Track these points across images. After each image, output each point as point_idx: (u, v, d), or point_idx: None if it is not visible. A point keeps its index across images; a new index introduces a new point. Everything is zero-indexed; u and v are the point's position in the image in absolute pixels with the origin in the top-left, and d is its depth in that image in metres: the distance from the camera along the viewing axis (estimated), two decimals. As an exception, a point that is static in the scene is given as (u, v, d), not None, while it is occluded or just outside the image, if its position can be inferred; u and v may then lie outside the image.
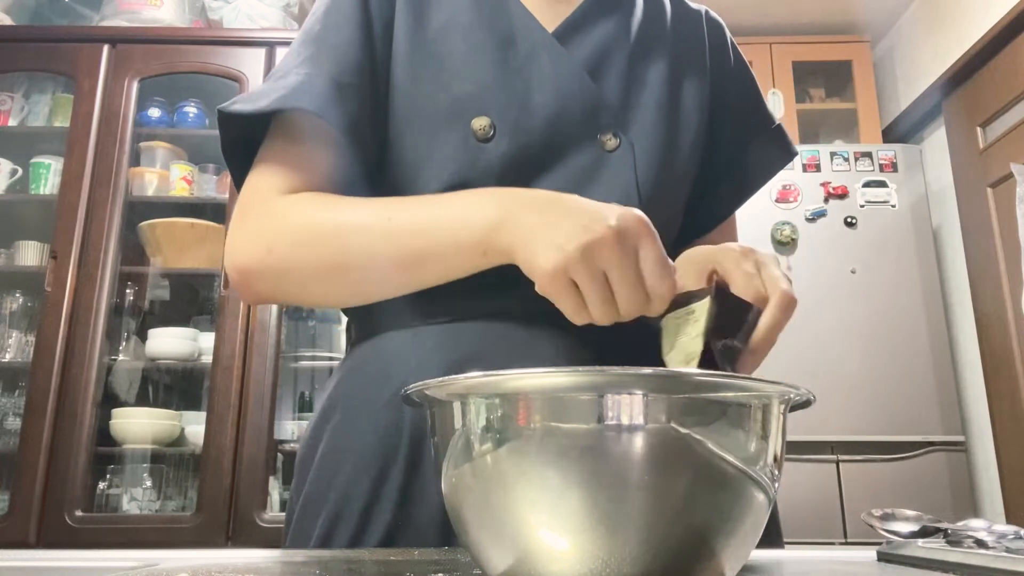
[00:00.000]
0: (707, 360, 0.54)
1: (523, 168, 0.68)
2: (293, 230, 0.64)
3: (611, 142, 0.71)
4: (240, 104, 0.68)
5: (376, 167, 0.71)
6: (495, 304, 0.65)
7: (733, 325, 0.56)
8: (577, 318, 0.54)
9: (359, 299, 0.69)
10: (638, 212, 0.54)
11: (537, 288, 0.54)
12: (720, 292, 0.57)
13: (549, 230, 0.54)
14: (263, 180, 0.68)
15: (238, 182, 0.72)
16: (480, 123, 0.68)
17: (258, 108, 0.66)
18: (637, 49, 0.76)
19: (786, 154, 0.85)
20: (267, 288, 0.66)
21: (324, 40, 0.69)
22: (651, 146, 0.72)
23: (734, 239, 0.88)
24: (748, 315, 0.57)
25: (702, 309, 0.56)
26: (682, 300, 0.57)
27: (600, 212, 0.54)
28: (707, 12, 0.85)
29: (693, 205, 0.82)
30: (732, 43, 0.86)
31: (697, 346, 0.54)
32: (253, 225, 0.66)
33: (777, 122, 0.86)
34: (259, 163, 0.69)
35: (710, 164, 0.82)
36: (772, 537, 0.72)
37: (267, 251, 0.64)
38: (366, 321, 0.72)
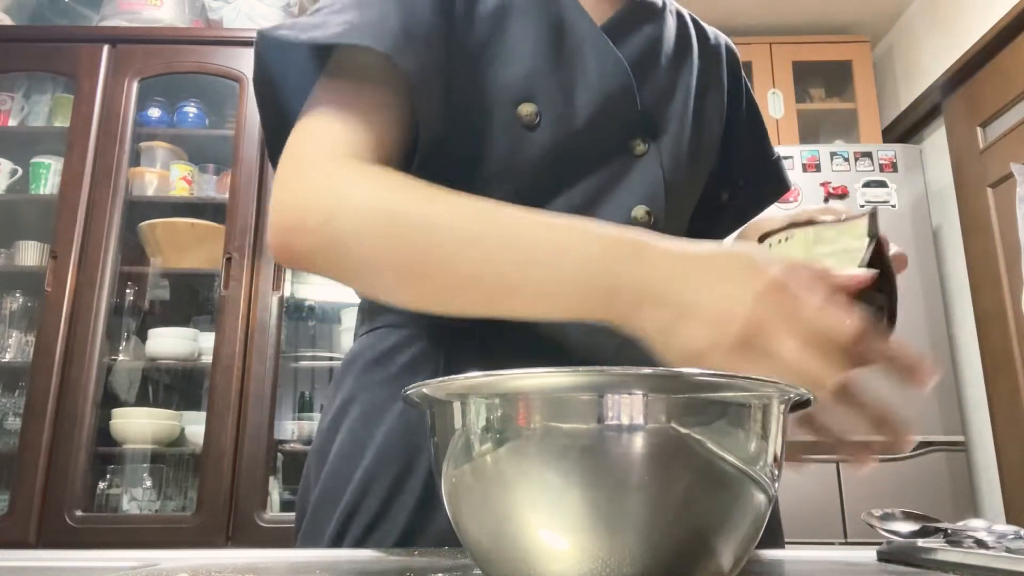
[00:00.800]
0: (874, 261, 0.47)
1: (560, 162, 0.68)
2: (364, 208, 0.55)
3: (640, 147, 0.71)
4: (287, 31, 0.60)
5: (436, 147, 0.65)
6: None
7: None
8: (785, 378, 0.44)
9: (416, 306, 0.58)
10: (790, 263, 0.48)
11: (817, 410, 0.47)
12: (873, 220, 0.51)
13: (703, 298, 0.46)
14: (323, 128, 0.59)
15: (269, 124, 0.66)
16: (527, 109, 0.66)
17: (314, 37, 0.59)
18: (670, 57, 0.77)
19: (781, 188, 0.88)
20: (312, 260, 0.57)
21: None
22: (675, 155, 0.73)
23: None
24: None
25: (860, 222, 0.50)
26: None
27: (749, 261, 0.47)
28: (727, 43, 0.86)
29: (699, 221, 0.84)
30: (744, 78, 0.88)
31: (861, 245, 0.48)
32: (312, 183, 0.57)
33: (776, 155, 0.88)
34: (316, 105, 0.61)
35: (716, 190, 0.84)
36: (774, 537, 0.72)
37: (325, 221, 0.55)
38: (385, 308, 0.69)
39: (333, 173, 0.57)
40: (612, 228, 0.51)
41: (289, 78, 0.64)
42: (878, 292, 0.50)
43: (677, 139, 0.73)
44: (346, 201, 0.56)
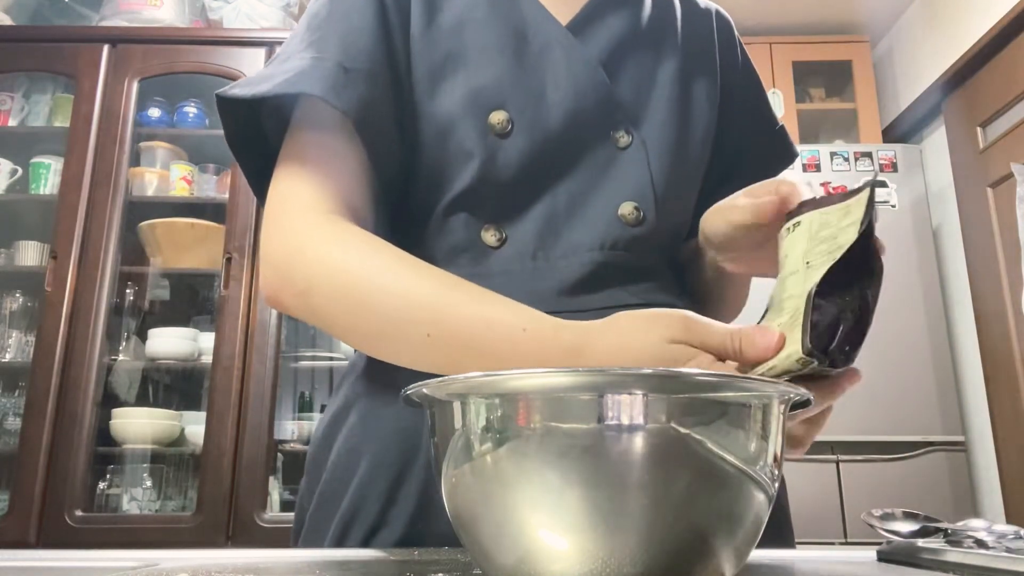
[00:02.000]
0: (856, 254, 0.47)
1: (540, 164, 0.67)
2: (333, 277, 0.60)
3: (624, 139, 0.70)
4: (239, 88, 0.65)
5: (401, 170, 0.69)
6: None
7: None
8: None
9: (392, 361, 0.63)
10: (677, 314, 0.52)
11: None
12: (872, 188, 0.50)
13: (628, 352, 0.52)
14: (292, 189, 0.64)
15: (248, 172, 0.70)
16: (498, 117, 0.67)
17: (257, 92, 0.63)
18: (647, 45, 0.75)
19: (788, 156, 0.85)
20: (299, 316, 0.63)
21: (331, 25, 0.66)
22: (663, 143, 0.72)
23: None
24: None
25: (859, 202, 0.49)
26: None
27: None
28: (717, 11, 0.84)
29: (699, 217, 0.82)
30: (740, 43, 0.85)
31: (850, 235, 0.48)
32: (290, 250, 0.62)
33: (780, 124, 0.85)
34: (283, 162, 0.66)
35: (714, 164, 0.81)
36: (784, 537, 0.72)
37: (303, 292, 0.61)
38: None
39: (307, 238, 0.61)
40: (563, 330, 0.55)
41: (261, 129, 0.69)
42: (852, 285, 0.48)
43: (663, 126, 0.72)
44: (321, 268, 0.60)
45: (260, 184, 0.70)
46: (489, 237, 0.67)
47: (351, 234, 0.61)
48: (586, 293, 0.65)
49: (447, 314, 0.57)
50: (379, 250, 0.61)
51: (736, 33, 0.86)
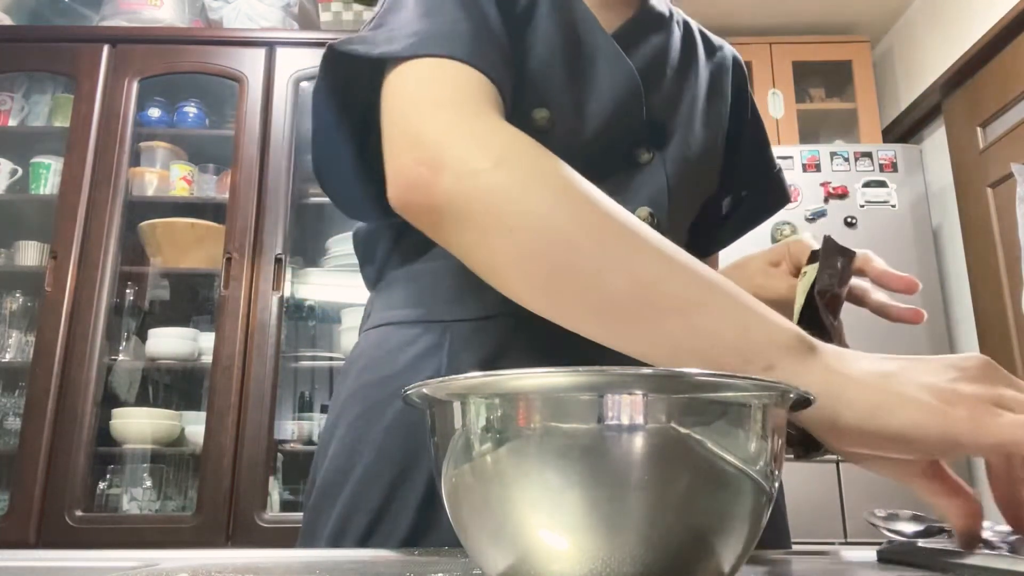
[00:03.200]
0: (808, 315, 0.55)
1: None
2: (537, 164, 0.50)
3: (644, 156, 0.71)
4: (360, 46, 0.58)
5: None
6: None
7: (839, 275, 0.58)
8: None
9: (526, 300, 0.51)
10: (982, 356, 0.47)
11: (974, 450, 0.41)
12: (826, 246, 0.59)
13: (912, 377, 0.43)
14: (437, 72, 0.55)
15: (320, 132, 0.64)
16: (540, 114, 0.67)
17: (387, 52, 0.57)
18: (676, 69, 0.77)
19: (782, 199, 0.88)
20: (444, 210, 0.50)
21: None
22: (679, 162, 0.73)
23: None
24: (850, 264, 0.60)
25: (812, 268, 0.58)
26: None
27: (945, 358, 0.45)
28: (734, 55, 0.86)
29: (705, 228, 0.85)
30: (748, 88, 0.88)
31: (800, 301, 0.56)
32: (468, 122, 0.52)
33: (778, 167, 0.88)
34: (412, 65, 0.57)
35: (717, 201, 0.85)
36: (780, 538, 0.72)
37: (496, 163, 0.49)
38: (391, 305, 0.70)
39: (485, 115, 0.53)
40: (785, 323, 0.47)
41: (350, 89, 0.63)
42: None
43: (682, 147, 0.73)
44: (515, 148, 0.51)
45: (326, 149, 0.64)
46: None
47: (540, 147, 0.52)
48: None
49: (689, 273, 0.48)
50: (578, 177, 0.51)
51: (746, 77, 0.88)
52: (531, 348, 0.63)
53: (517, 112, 0.64)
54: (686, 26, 0.82)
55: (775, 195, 0.88)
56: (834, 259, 0.59)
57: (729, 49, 0.86)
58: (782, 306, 0.58)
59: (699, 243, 0.85)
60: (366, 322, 0.74)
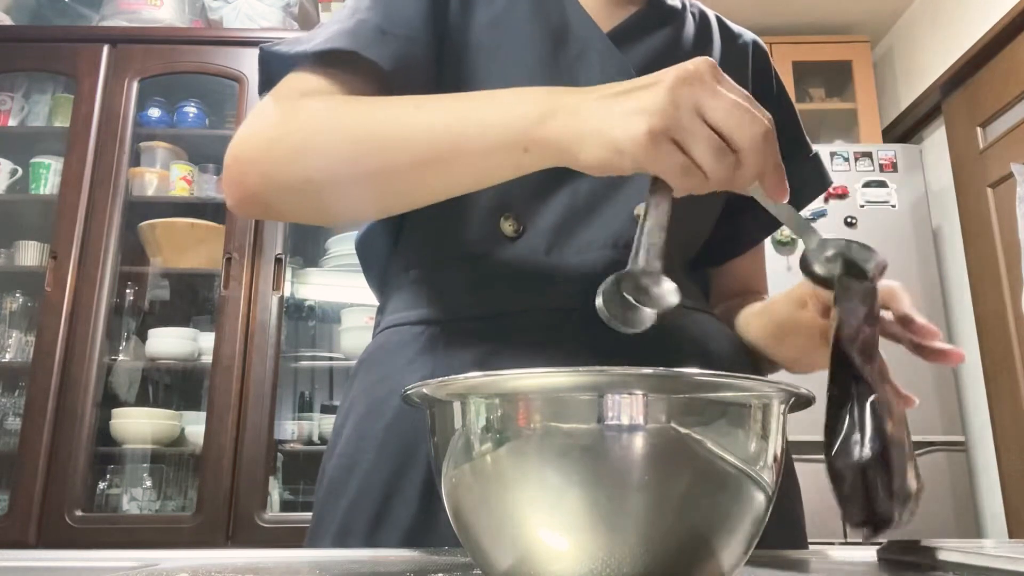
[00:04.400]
0: (841, 365, 0.45)
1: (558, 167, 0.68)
2: (315, 116, 0.59)
3: None
4: (282, 46, 0.67)
5: None
6: (522, 300, 0.66)
7: (864, 315, 0.49)
8: (689, 179, 0.47)
9: (374, 203, 0.62)
10: (701, 57, 0.49)
11: (632, 165, 0.48)
12: (842, 285, 0.50)
13: (618, 103, 0.48)
14: (290, 83, 0.65)
15: None
16: None
17: (298, 51, 0.65)
18: (684, 60, 0.76)
19: (821, 184, 0.85)
20: (265, 185, 0.60)
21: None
22: None
23: (761, 266, 0.90)
24: (874, 298, 0.51)
25: (834, 316, 0.49)
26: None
27: (666, 71, 0.48)
28: (754, 40, 0.85)
29: (724, 228, 0.82)
30: (775, 73, 0.86)
31: (830, 352, 0.46)
32: (272, 114, 0.62)
33: (814, 151, 0.86)
34: (295, 72, 0.66)
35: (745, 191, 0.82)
36: (797, 541, 0.72)
37: (276, 139, 0.60)
38: (395, 309, 0.72)
39: (283, 106, 0.62)
40: (534, 88, 0.55)
41: None
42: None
43: None
44: (295, 117, 0.60)
45: None
46: (507, 227, 0.68)
47: (339, 95, 0.62)
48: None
49: (422, 112, 0.56)
50: (364, 97, 0.61)
51: (772, 62, 0.86)
52: (524, 347, 0.65)
53: None
54: (703, 17, 0.82)
55: (813, 181, 0.84)
56: (854, 298, 0.50)
57: (750, 35, 0.85)
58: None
59: (733, 237, 0.84)
60: (375, 329, 0.76)
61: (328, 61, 0.65)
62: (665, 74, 0.48)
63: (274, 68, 0.67)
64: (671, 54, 0.76)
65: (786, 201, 0.51)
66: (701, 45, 0.79)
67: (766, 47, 0.86)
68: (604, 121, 0.48)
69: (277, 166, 0.59)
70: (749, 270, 0.88)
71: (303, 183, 0.59)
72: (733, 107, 0.46)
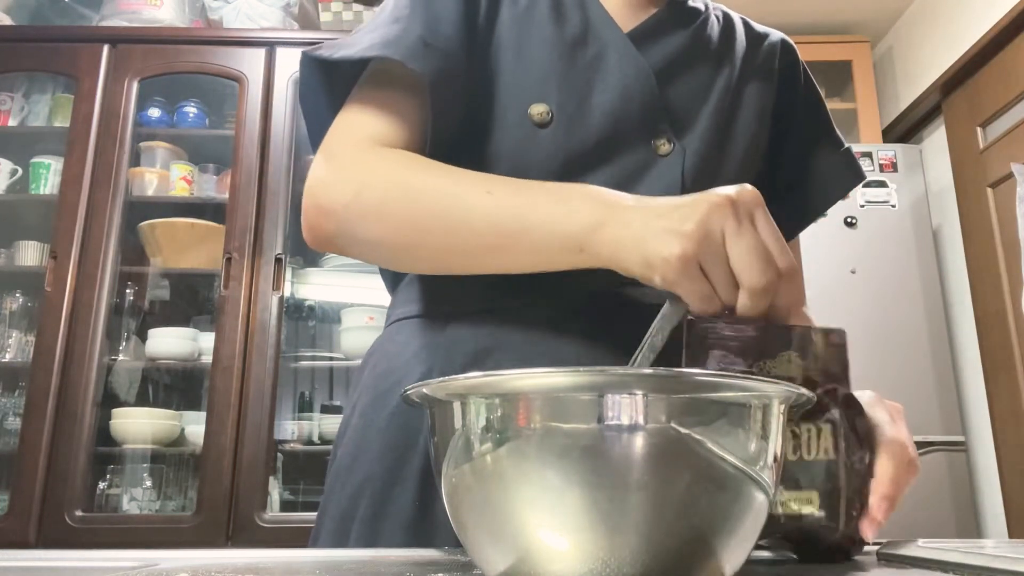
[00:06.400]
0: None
1: (574, 159, 0.69)
2: (386, 178, 0.63)
3: (664, 146, 0.72)
4: (326, 51, 0.69)
5: (454, 144, 0.71)
6: (524, 294, 0.66)
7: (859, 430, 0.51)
8: (708, 306, 0.51)
9: (433, 267, 0.67)
10: (749, 186, 0.52)
11: (660, 283, 0.51)
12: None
13: (660, 220, 0.51)
14: (354, 125, 0.68)
15: (313, 128, 0.74)
16: (538, 109, 0.69)
17: (345, 55, 0.68)
18: (705, 60, 0.77)
19: (854, 177, 0.84)
20: (345, 233, 0.64)
21: (421, 4, 0.70)
22: (702, 152, 0.73)
23: (797, 262, 0.88)
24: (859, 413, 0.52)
25: None
26: None
27: (710, 193, 0.51)
28: (782, 39, 0.86)
29: None
30: (804, 69, 0.86)
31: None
32: (343, 167, 0.65)
33: (846, 146, 0.85)
34: (349, 107, 0.70)
35: (774, 185, 0.82)
36: None
37: (355, 194, 0.63)
38: (402, 302, 0.75)
39: (361, 158, 0.65)
40: (592, 187, 0.58)
41: (333, 88, 0.73)
42: None
43: (705, 135, 0.74)
44: (372, 174, 0.64)
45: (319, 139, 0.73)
46: None
47: (403, 153, 0.66)
48: (605, 288, 0.67)
49: (493, 198, 0.60)
50: (435, 163, 0.64)
51: (800, 59, 0.86)
52: (525, 341, 0.66)
53: (515, 109, 0.69)
54: (727, 19, 0.83)
55: (846, 174, 0.84)
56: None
57: (777, 35, 0.85)
58: None
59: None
60: (386, 321, 0.79)
61: (373, 73, 0.69)
62: (708, 196, 0.51)
63: (317, 74, 0.71)
64: (693, 55, 0.76)
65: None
66: (724, 47, 0.79)
67: (794, 45, 0.86)
68: (644, 235, 0.52)
69: (353, 223, 0.64)
70: None
71: (376, 243, 0.64)
72: (750, 250, 0.49)
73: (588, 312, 0.66)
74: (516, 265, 0.60)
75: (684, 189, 0.71)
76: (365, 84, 0.70)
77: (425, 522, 0.62)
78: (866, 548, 0.51)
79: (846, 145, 0.85)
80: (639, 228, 0.52)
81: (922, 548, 0.45)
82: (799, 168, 0.84)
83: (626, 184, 0.69)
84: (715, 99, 0.75)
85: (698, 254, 0.49)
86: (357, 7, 2.74)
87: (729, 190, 0.51)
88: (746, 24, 0.85)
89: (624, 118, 0.70)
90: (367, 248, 0.66)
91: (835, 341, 0.52)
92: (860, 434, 0.51)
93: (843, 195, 0.85)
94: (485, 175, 0.62)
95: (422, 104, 0.67)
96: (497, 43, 0.72)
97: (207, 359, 2.34)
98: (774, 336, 0.51)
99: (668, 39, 0.76)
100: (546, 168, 0.69)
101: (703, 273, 0.50)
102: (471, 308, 0.68)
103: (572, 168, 0.69)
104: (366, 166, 0.64)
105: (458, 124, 0.70)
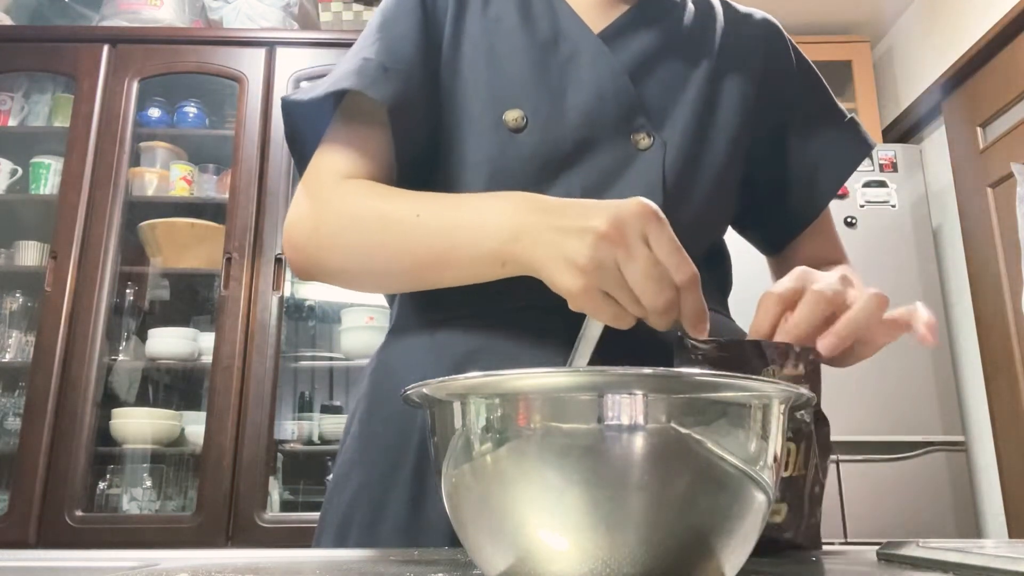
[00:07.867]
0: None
1: (553, 161, 0.70)
2: (340, 213, 0.67)
3: (644, 141, 0.72)
4: (299, 94, 0.74)
5: (427, 158, 0.74)
6: (508, 301, 0.67)
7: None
8: (622, 324, 0.54)
9: (388, 287, 0.74)
10: (638, 200, 0.53)
11: (571, 307, 0.55)
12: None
13: (563, 243, 0.54)
14: (324, 162, 0.72)
15: (301, 168, 0.77)
16: (512, 115, 0.70)
17: (312, 96, 0.72)
18: (681, 53, 0.77)
19: (863, 147, 0.83)
20: (313, 264, 0.69)
21: (380, 32, 0.73)
22: (682, 144, 0.73)
23: (833, 237, 0.88)
24: (816, 368, 0.53)
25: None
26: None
27: (593, 213, 0.53)
28: (765, 18, 0.85)
29: (774, 210, 0.84)
30: (793, 46, 0.85)
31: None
32: (309, 204, 0.70)
33: (849, 116, 0.84)
34: (322, 145, 0.73)
35: (782, 168, 0.82)
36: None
37: (314, 229, 0.69)
38: (400, 313, 0.77)
39: (324, 194, 0.70)
40: (513, 193, 0.62)
41: (315, 128, 0.76)
42: None
43: (684, 127, 0.73)
44: (330, 209, 0.68)
45: None
46: None
47: (359, 183, 0.70)
48: None
49: (421, 220, 0.63)
50: (384, 190, 0.68)
51: (787, 37, 0.85)
52: (518, 344, 0.68)
53: (490, 116, 0.71)
54: (705, 5, 0.82)
55: (853, 144, 0.83)
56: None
57: (760, 14, 0.84)
58: None
59: (786, 218, 0.84)
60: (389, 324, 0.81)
61: (344, 107, 0.73)
62: (596, 223, 0.52)
63: (296, 116, 0.75)
64: (667, 49, 0.76)
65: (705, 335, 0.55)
66: (700, 36, 0.79)
67: (779, 24, 0.84)
68: (550, 257, 0.55)
69: (316, 256, 0.69)
70: (816, 249, 0.85)
71: (339, 272, 0.69)
72: (644, 275, 0.51)
73: (571, 315, 0.66)
74: (456, 279, 0.63)
75: (666, 182, 0.71)
76: (337, 119, 0.74)
77: (419, 521, 0.63)
78: (866, 548, 0.51)
79: (849, 115, 0.84)
80: (546, 248, 0.55)
81: (922, 548, 0.45)
82: (805, 148, 0.82)
83: (607, 180, 0.70)
84: (693, 90, 0.75)
85: (598, 284, 0.52)
86: (357, 7, 2.74)
87: (620, 211, 0.52)
88: (726, 6, 0.83)
89: (600, 117, 0.71)
90: (333, 277, 0.70)
91: (811, 358, 0.53)
92: (823, 445, 0.53)
93: (854, 167, 0.83)
94: (418, 196, 0.66)
95: (386, 129, 0.70)
96: (467, 54, 0.74)
97: (207, 359, 2.34)
98: (757, 352, 0.53)
99: (640, 35, 0.76)
100: (525, 171, 0.70)
101: (609, 295, 0.52)
102: (460, 314, 0.70)
103: (551, 169, 0.70)
104: (325, 201, 0.69)
105: (426, 141, 0.73)
